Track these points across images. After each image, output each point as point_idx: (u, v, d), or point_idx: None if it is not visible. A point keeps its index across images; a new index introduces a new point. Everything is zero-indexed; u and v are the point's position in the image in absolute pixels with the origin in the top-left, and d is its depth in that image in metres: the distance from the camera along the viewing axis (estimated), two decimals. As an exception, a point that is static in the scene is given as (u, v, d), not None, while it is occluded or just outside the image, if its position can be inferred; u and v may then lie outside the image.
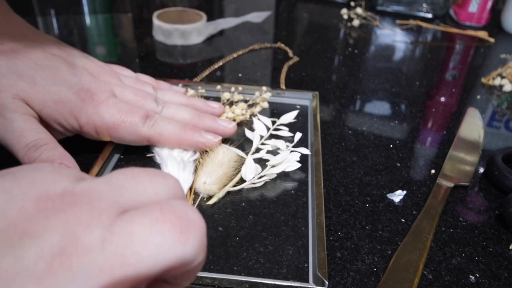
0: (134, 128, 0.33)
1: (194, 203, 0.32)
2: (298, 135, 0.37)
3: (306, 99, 0.46)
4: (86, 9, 0.68)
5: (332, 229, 0.31)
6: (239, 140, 0.39)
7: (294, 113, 0.40)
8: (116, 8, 0.71)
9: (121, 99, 0.35)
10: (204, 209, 0.32)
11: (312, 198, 0.33)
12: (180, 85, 0.45)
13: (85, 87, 0.33)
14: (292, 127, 0.40)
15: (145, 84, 0.39)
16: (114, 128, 0.33)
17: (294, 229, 0.31)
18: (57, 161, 0.30)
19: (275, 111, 0.44)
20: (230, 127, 0.37)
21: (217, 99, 0.44)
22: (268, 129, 0.39)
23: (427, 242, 0.30)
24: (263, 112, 0.44)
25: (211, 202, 0.32)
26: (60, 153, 0.30)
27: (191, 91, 0.44)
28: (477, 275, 0.29)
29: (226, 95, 0.44)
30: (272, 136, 0.38)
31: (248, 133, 0.38)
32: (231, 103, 0.44)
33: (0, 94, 0.30)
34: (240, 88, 0.46)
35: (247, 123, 0.41)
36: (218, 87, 0.46)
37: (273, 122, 0.39)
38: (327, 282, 0.26)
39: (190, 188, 0.33)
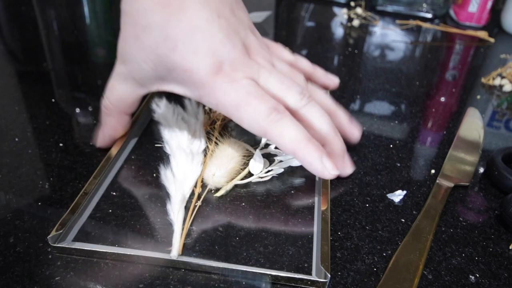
0: (256, 115, 0.30)
1: (201, 195, 0.33)
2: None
3: None
4: (86, 9, 0.68)
5: (332, 229, 0.31)
6: (248, 134, 0.39)
7: None
8: (116, 8, 0.71)
9: (264, 84, 0.32)
10: (212, 201, 0.33)
11: (318, 194, 0.33)
12: (337, 81, 0.42)
13: (228, 60, 0.30)
14: None
15: (297, 73, 0.35)
16: (237, 108, 0.30)
17: (300, 222, 0.31)
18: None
19: None
20: (349, 170, 0.35)
21: None
22: None
23: (427, 242, 0.30)
24: None
25: (218, 194, 0.33)
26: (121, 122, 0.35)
27: None
28: (477, 275, 0.29)
29: None
30: None
31: None
32: None
33: (136, 56, 0.30)
34: None
35: None
36: None
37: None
38: (329, 275, 0.26)
39: (198, 179, 0.34)
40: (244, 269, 0.27)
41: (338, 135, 0.34)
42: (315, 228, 0.30)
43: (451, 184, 0.36)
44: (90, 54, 0.55)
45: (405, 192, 0.35)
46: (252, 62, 0.32)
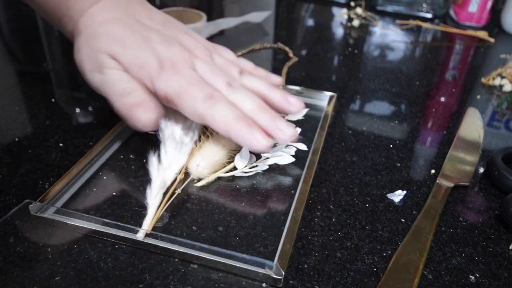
0: (193, 102, 0.33)
1: (183, 183, 0.34)
2: (297, 130, 0.37)
3: (322, 99, 0.46)
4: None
5: (332, 229, 0.31)
6: None
7: (303, 112, 0.40)
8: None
9: (199, 72, 0.35)
10: (192, 190, 0.33)
11: (298, 193, 0.33)
12: (279, 79, 0.43)
13: (169, 57, 0.35)
14: (301, 125, 0.40)
15: (233, 66, 0.38)
16: (178, 97, 0.33)
17: (272, 220, 0.31)
18: (140, 105, 0.33)
19: None
20: (287, 133, 0.33)
21: None
22: None
23: (427, 242, 0.30)
24: None
25: (199, 184, 0.34)
26: (144, 98, 0.33)
27: None
28: (477, 275, 0.29)
29: None
30: None
31: None
32: None
33: (98, 54, 0.34)
34: None
35: None
36: None
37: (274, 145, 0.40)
38: (283, 273, 0.27)
39: (182, 168, 0.35)
40: (203, 256, 0.28)
41: (263, 108, 0.35)
42: (286, 228, 0.30)
43: (451, 184, 0.36)
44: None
45: (405, 192, 0.35)
46: (190, 55, 0.36)
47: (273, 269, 0.27)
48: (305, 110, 0.41)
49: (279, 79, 0.42)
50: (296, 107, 0.37)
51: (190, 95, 0.33)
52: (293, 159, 0.36)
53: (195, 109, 0.33)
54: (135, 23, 0.36)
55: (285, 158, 0.36)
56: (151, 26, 0.37)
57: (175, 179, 0.34)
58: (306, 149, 0.37)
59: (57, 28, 0.41)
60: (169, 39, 0.36)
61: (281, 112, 0.37)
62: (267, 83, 0.38)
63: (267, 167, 0.35)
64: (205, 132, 0.37)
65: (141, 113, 0.33)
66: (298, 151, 0.37)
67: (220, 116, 0.32)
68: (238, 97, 0.35)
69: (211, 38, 0.60)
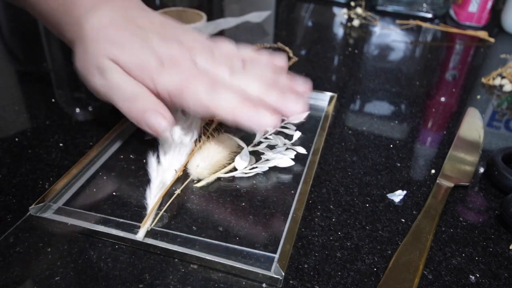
0: (195, 94, 0.32)
1: (183, 183, 0.34)
2: (297, 134, 0.38)
3: (323, 99, 0.46)
4: (86, 9, 0.68)
5: (332, 229, 0.31)
6: (244, 131, 0.39)
7: (305, 114, 0.40)
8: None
9: (199, 64, 0.35)
10: (192, 191, 0.34)
11: (298, 194, 0.33)
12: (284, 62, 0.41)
13: (168, 55, 0.34)
14: (302, 126, 0.40)
15: (234, 57, 0.38)
16: (180, 92, 0.33)
17: (271, 220, 0.31)
18: (149, 110, 0.33)
19: None
20: (298, 109, 0.34)
21: None
22: None
23: (427, 242, 0.30)
24: None
25: (199, 185, 0.34)
26: (153, 102, 0.33)
27: None
28: (477, 275, 0.29)
29: None
30: (279, 133, 0.39)
31: None
32: None
33: (98, 59, 0.34)
34: None
35: None
36: None
37: (282, 120, 0.40)
38: (283, 273, 0.27)
39: (181, 168, 0.35)
40: (202, 256, 0.28)
41: (272, 87, 0.35)
42: (286, 228, 0.30)
43: (451, 184, 0.36)
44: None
45: (405, 192, 0.35)
46: (190, 51, 0.35)
47: (273, 269, 0.27)
48: (307, 113, 0.41)
49: (283, 61, 0.41)
50: (304, 89, 0.38)
51: (192, 87, 0.33)
52: (292, 163, 0.36)
53: (199, 100, 0.32)
54: (134, 27, 0.36)
55: (284, 160, 0.36)
56: (150, 28, 0.37)
57: (175, 179, 0.34)
58: (306, 152, 0.37)
59: (58, 37, 0.40)
60: (168, 39, 0.36)
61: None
62: (271, 70, 0.37)
63: (267, 168, 0.35)
64: (205, 132, 0.37)
65: (154, 118, 0.33)
66: (298, 153, 0.37)
67: (225, 103, 0.32)
68: (242, 81, 0.35)
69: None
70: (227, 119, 0.32)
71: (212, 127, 0.39)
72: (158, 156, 0.35)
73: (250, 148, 0.36)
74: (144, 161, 0.36)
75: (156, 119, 0.32)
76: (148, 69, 0.34)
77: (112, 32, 0.35)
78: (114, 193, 0.33)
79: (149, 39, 0.35)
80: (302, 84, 0.38)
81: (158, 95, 0.34)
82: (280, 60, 0.41)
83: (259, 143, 0.38)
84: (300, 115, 0.40)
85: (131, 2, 0.38)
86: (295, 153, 0.37)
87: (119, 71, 0.34)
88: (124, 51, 0.34)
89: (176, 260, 0.28)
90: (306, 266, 0.28)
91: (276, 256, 0.28)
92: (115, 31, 0.35)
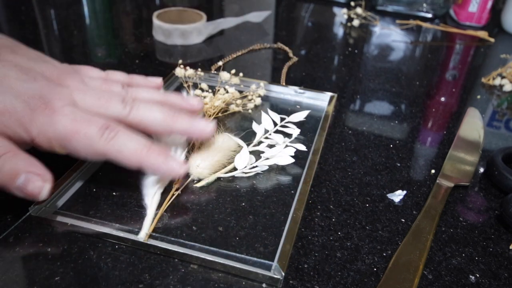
0: (88, 141, 0.28)
1: (183, 184, 0.34)
2: (297, 132, 0.38)
3: (323, 99, 0.46)
4: (86, 9, 0.68)
5: (332, 229, 0.31)
6: (244, 131, 0.40)
7: (305, 113, 0.41)
8: (116, 8, 0.71)
9: (82, 105, 0.30)
10: (192, 191, 0.33)
11: (298, 194, 0.33)
12: (159, 80, 0.40)
13: (37, 94, 0.29)
14: (302, 126, 0.40)
15: (113, 83, 0.34)
16: (68, 140, 0.29)
17: (271, 220, 0.31)
18: (22, 173, 0.27)
19: (289, 108, 0.45)
20: (207, 130, 0.32)
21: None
22: (275, 124, 0.40)
23: (427, 242, 0.30)
24: (275, 108, 0.45)
25: (199, 184, 0.34)
26: (24, 161, 0.28)
27: (190, 71, 0.45)
28: (477, 275, 0.29)
29: (225, 75, 0.45)
30: (278, 132, 0.39)
31: (254, 125, 0.40)
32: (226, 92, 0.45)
33: None
34: (261, 84, 0.46)
35: (257, 117, 0.42)
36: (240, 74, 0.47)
37: (282, 119, 0.40)
38: (283, 273, 0.27)
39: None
40: (202, 257, 0.28)
41: (175, 113, 0.32)
42: (286, 228, 0.30)
43: (451, 184, 0.36)
44: (90, 54, 0.55)
45: (405, 192, 0.35)
46: (62, 88, 0.31)
47: (273, 270, 0.27)
48: (307, 112, 0.41)
49: (159, 80, 0.39)
50: (197, 104, 0.36)
51: (82, 134, 0.28)
52: (292, 160, 0.36)
53: (93, 148, 0.29)
54: None
55: (284, 158, 0.36)
56: (6, 59, 0.31)
57: (174, 179, 0.34)
58: (306, 149, 0.37)
59: None
60: (27, 72, 0.30)
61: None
62: (155, 90, 0.36)
63: (267, 167, 0.35)
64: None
65: (29, 183, 0.27)
66: (298, 151, 0.37)
67: (127, 150, 0.29)
68: (141, 112, 0.31)
69: (211, 38, 0.60)
70: (130, 164, 0.29)
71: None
72: None
73: (250, 148, 0.37)
74: None
75: (33, 182, 0.27)
76: (14, 115, 0.28)
77: None
78: (114, 193, 0.33)
79: (6, 76, 0.29)
80: (194, 100, 0.36)
81: (27, 144, 0.30)
82: (157, 80, 0.38)
83: (259, 142, 0.38)
84: (300, 115, 0.40)
85: None
86: (294, 150, 0.37)
87: None
88: None
89: (176, 260, 0.28)
90: (306, 266, 0.28)
91: (276, 256, 0.28)
92: None
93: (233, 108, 0.43)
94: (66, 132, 0.29)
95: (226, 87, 0.45)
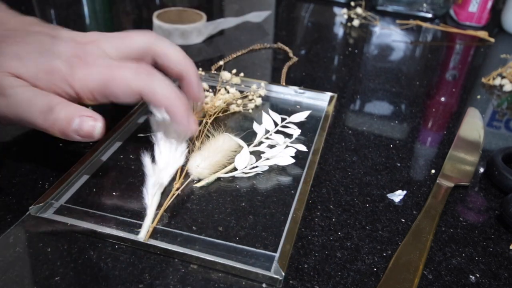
0: (124, 82, 0.31)
1: (183, 184, 0.34)
2: (297, 132, 0.38)
3: (323, 99, 0.46)
4: (86, 9, 0.68)
5: (332, 229, 0.31)
6: (245, 131, 0.40)
7: (306, 113, 0.41)
8: (116, 8, 0.71)
9: (110, 49, 0.34)
10: (192, 191, 0.33)
11: (298, 194, 0.33)
12: None
13: (73, 53, 0.32)
14: (302, 126, 0.40)
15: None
16: (107, 86, 0.32)
17: (271, 220, 0.31)
18: (76, 117, 0.30)
19: (289, 108, 0.45)
20: (193, 128, 0.34)
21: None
22: (276, 125, 0.40)
23: (427, 242, 0.30)
24: (275, 108, 0.45)
25: (199, 184, 0.34)
26: (75, 107, 0.31)
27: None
28: (477, 275, 0.29)
29: (226, 75, 0.45)
30: (279, 132, 0.39)
31: (255, 126, 0.40)
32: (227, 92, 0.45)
33: None
34: (262, 84, 0.46)
35: (257, 117, 0.42)
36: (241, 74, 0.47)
37: (283, 119, 0.40)
38: (283, 273, 0.27)
39: (182, 169, 0.35)
40: (202, 257, 0.28)
41: (180, 96, 0.34)
42: (286, 228, 0.30)
43: (451, 184, 0.36)
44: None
45: (405, 192, 0.35)
46: (91, 45, 0.34)
47: (273, 270, 0.27)
48: (308, 112, 0.41)
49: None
50: (202, 95, 0.39)
51: (118, 77, 0.31)
52: (293, 160, 0.36)
53: (130, 87, 0.31)
54: (13, 32, 0.33)
55: (285, 159, 0.36)
56: (31, 30, 0.34)
57: (174, 179, 0.34)
58: (306, 150, 0.37)
59: None
60: (59, 37, 0.34)
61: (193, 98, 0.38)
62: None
63: (267, 167, 0.35)
64: (206, 133, 0.37)
65: (84, 123, 0.30)
66: (299, 151, 0.37)
67: (161, 91, 0.32)
68: (165, 43, 0.36)
69: (211, 38, 0.60)
70: (159, 105, 0.32)
71: (207, 127, 0.39)
72: (154, 157, 0.35)
73: (251, 148, 0.37)
74: (143, 161, 0.36)
75: (87, 122, 0.30)
76: (58, 73, 0.31)
77: (3, 45, 0.32)
78: (114, 193, 0.33)
79: (41, 41, 0.33)
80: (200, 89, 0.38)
81: (74, 98, 0.32)
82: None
83: (260, 143, 0.38)
84: (301, 116, 0.40)
85: None
86: (295, 150, 0.37)
87: (24, 84, 0.31)
88: (23, 60, 0.31)
89: (176, 260, 0.28)
90: (306, 266, 0.28)
91: (276, 256, 0.28)
92: (4, 43, 0.32)
93: (233, 108, 0.43)
94: (104, 79, 0.32)
95: (227, 87, 0.45)
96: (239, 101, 0.43)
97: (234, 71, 0.46)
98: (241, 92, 0.45)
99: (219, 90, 0.44)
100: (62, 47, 0.32)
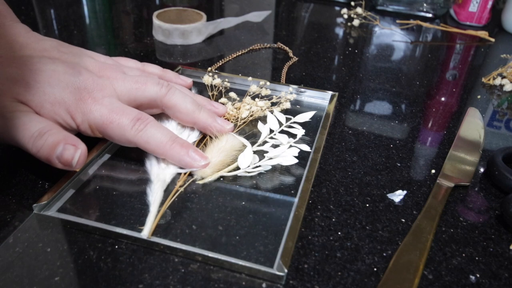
0: (121, 131, 0.33)
1: (186, 182, 0.34)
2: (301, 132, 0.38)
3: (323, 98, 0.46)
4: (86, 9, 0.68)
5: (332, 229, 0.31)
6: (251, 130, 0.40)
7: (311, 114, 0.41)
8: (116, 8, 0.71)
9: (121, 91, 0.35)
10: (195, 189, 0.34)
11: (299, 192, 0.34)
12: (190, 80, 0.45)
13: (82, 86, 0.33)
14: (306, 126, 0.40)
15: (149, 74, 0.39)
16: (104, 128, 0.33)
17: (272, 218, 0.31)
18: (62, 143, 0.30)
19: (289, 107, 0.45)
20: (227, 128, 0.37)
21: (242, 92, 0.45)
22: (281, 125, 0.39)
23: (427, 242, 0.30)
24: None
25: (201, 182, 0.34)
26: (64, 135, 0.30)
27: (217, 80, 0.45)
28: (478, 275, 0.29)
29: (253, 88, 0.44)
30: (283, 132, 0.39)
31: (260, 125, 0.40)
32: (255, 97, 0.44)
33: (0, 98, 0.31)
34: (268, 83, 0.46)
35: (262, 117, 0.42)
36: (250, 78, 0.47)
37: (288, 119, 0.40)
38: (286, 270, 0.27)
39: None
40: (206, 254, 0.28)
41: (202, 108, 0.37)
42: (288, 226, 0.30)
43: (452, 184, 0.36)
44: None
45: (405, 192, 0.35)
46: (103, 80, 0.34)
47: (276, 266, 0.27)
48: (313, 113, 0.41)
49: (189, 80, 0.44)
50: (222, 109, 0.40)
51: (116, 123, 0.32)
52: (296, 160, 0.36)
53: (125, 136, 0.33)
54: (28, 58, 0.33)
55: (288, 159, 0.36)
56: (47, 56, 0.35)
57: (177, 178, 0.34)
58: (310, 150, 0.37)
59: None
60: (73, 67, 0.34)
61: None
62: (185, 87, 0.40)
63: (270, 167, 0.35)
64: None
65: (65, 150, 0.30)
66: (302, 151, 0.37)
67: (154, 141, 0.33)
68: (176, 96, 0.36)
69: (211, 38, 0.60)
70: (156, 154, 0.34)
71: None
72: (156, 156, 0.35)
73: (255, 148, 0.36)
74: (145, 160, 0.36)
75: (68, 150, 0.30)
76: (63, 105, 0.32)
77: (6, 69, 0.32)
78: (115, 192, 0.33)
79: (54, 70, 0.33)
80: (221, 107, 0.41)
81: (74, 129, 0.33)
82: (187, 79, 0.44)
83: (264, 142, 0.38)
84: (306, 116, 0.40)
85: (15, 28, 0.36)
86: (298, 150, 0.37)
87: (24, 110, 0.31)
88: (30, 88, 0.31)
89: (176, 260, 0.28)
90: (306, 266, 0.28)
91: (279, 252, 0.28)
92: (9, 68, 0.32)
93: (258, 114, 0.42)
94: (103, 121, 0.33)
95: (256, 99, 0.43)
96: (264, 106, 0.42)
97: (262, 82, 0.45)
98: (270, 98, 0.44)
99: (243, 103, 0.42)
100: (73, 78, 0.33)
